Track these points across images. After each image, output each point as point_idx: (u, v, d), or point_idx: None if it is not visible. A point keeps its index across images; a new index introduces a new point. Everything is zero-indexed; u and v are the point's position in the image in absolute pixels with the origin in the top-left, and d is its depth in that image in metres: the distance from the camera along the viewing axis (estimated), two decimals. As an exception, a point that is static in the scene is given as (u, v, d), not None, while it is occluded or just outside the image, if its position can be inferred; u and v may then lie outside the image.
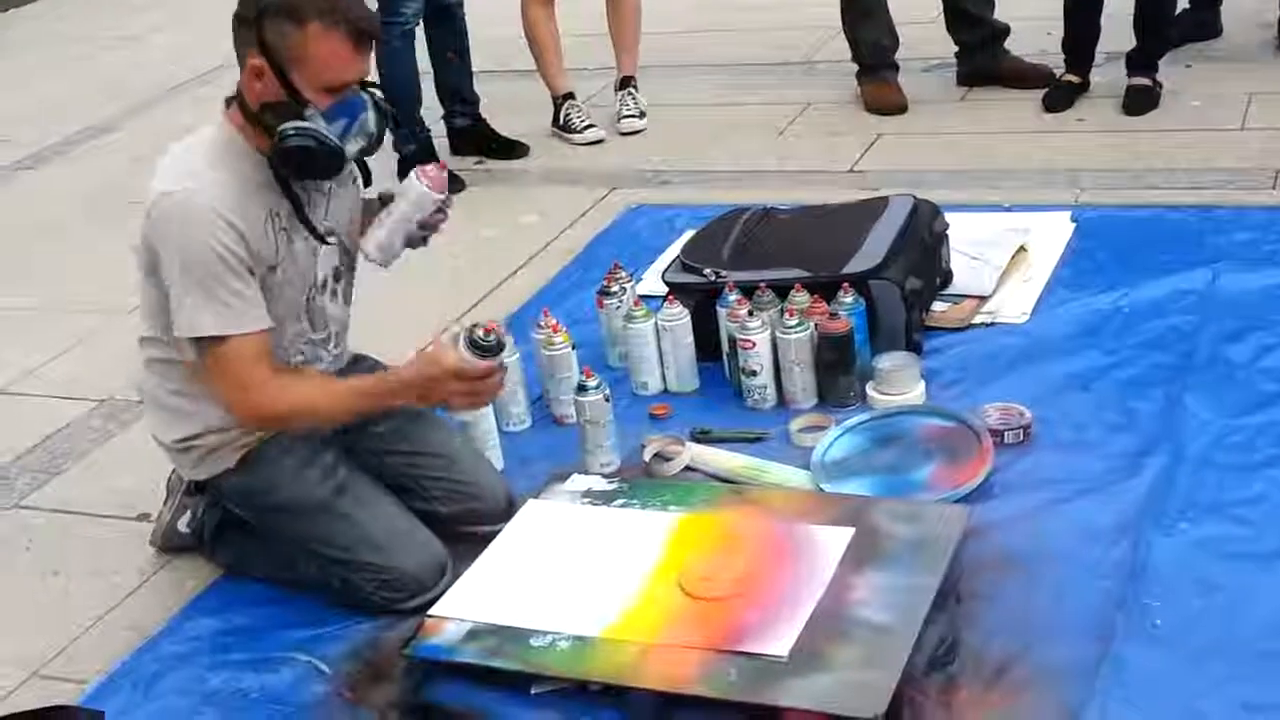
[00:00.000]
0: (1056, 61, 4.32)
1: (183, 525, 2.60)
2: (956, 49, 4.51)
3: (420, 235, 2.47)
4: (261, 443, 2.40)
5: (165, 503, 2.64)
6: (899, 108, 4.35)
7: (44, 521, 2.86)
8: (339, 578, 2.40)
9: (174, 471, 2.66)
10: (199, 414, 2.39)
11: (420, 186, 2.41)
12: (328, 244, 2.37)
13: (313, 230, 2.34)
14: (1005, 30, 4.45)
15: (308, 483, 2.39)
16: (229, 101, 2.30)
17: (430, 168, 2.45)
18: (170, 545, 2.64)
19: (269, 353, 2.28)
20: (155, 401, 2.45)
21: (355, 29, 2.19)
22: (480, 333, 2.24)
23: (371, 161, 2.45)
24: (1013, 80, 4.38)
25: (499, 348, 2.25)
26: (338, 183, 2.41)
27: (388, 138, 4.20)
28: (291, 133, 2.18)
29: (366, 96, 2.28)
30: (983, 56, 4.45)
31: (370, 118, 2.28)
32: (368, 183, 2.41)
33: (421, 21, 4.24)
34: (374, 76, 4.24)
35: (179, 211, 2.19)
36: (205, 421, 2.39)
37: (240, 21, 2.22)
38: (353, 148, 2.27)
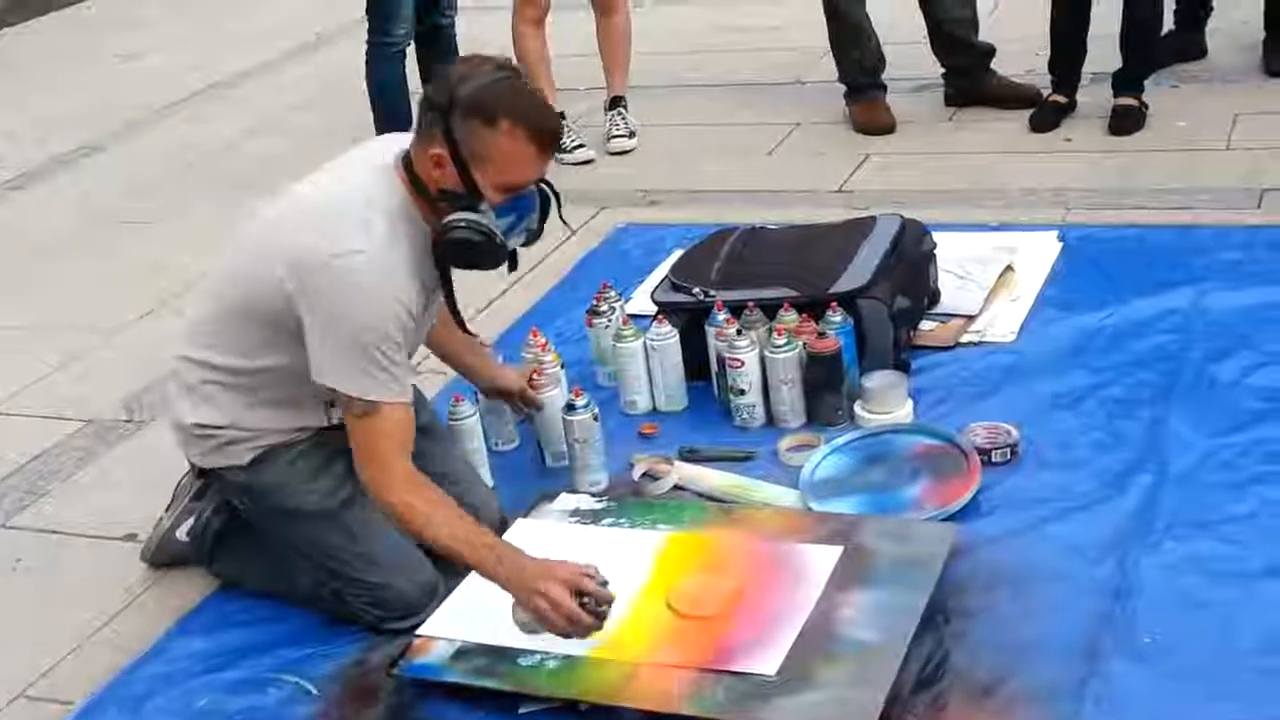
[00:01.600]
0: (1044, 82, 4.34)
1: (182, 533, 2.60)
2: (943, 70, 4.53)
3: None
4: (276, 444, 2.39)
5: (167, 509, 2.64)
6: (887, 127, 4.37)
7: (31, 542, 2.85)
8: (331, 589, 2.40)
9: (185, 475, 2.67)
10: (230, 409, 2.37)
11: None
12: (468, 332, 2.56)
13: (457, 315, 2.44)
14: (990, 51, 4.47)
15: (318, 490, 2.39)
16: (400, 159, 2.26)
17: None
18: (162, 557, 2.63)
19: (412, 435, 2.27)
20: (186, 386, 2.41)
21: (543, 133, 2.18)
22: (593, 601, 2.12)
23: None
24: (1000, 100, 4.40)
25: (600, 616, 2.12)
26: None
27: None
28: (461, 224, 2.17)
29: (537, 193, 2.28)
30: (969, 78, 4.47)
31: (536, 215, 2.29)
32: (513, 268, 2.37)
33: (412, 41, 4.26)
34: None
35: (356, 281, 2.14)
36: (234, 418, 2.37)
37: (430, 105, 2.19)
38: (515, 242, 2.29)
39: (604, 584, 2.12)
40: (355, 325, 2.15)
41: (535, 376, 2.77)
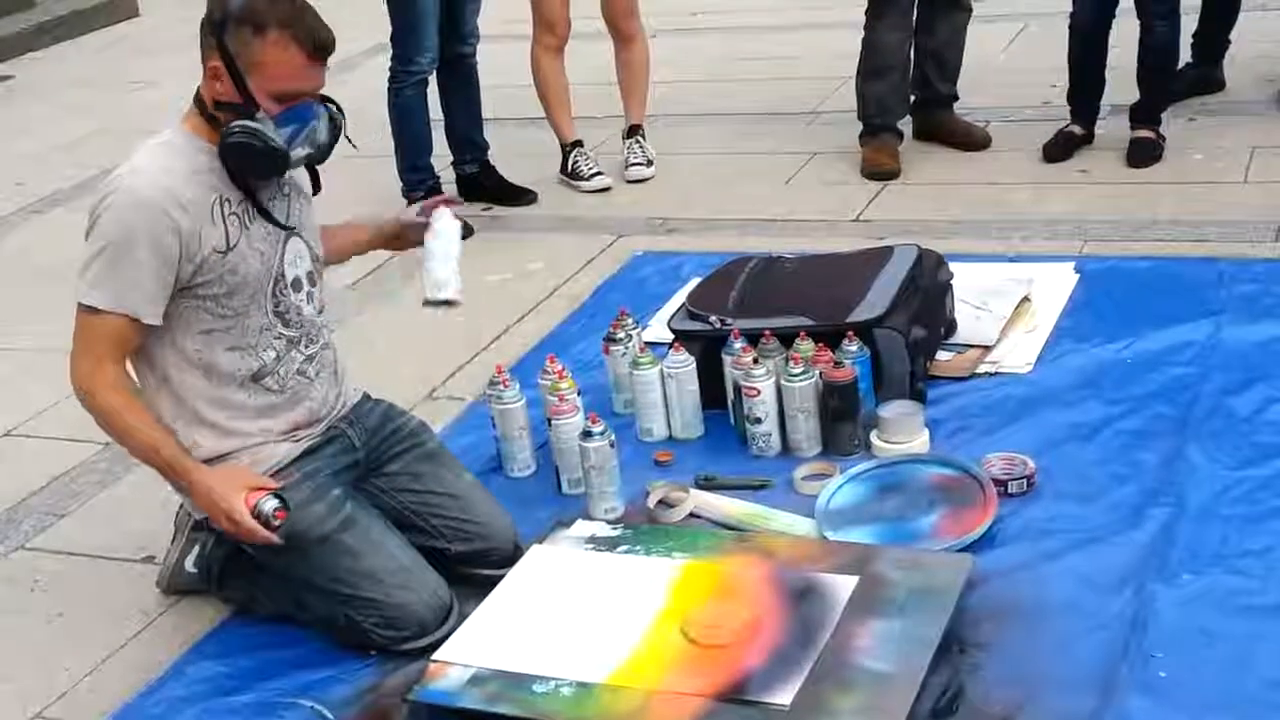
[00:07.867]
0: (1062, 113, 4.35)
1: (190, 563, 2.61)
2: (912, 102, 4.51)
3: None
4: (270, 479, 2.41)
5: (173, 541, 2.65)
6: (891, 173, 4.29)
7: (50, 563, 2.86)
8: (343, 614, 2.41)
9: (181, 507, 2.67)
10: (196, 427, 2.40)
11: (453, 220, 2.62)
12: (287, 230, 2.43)
13: (269, 218, 2.40)
14: (956, 97, 4.49)
15: (313, 516, 2.40)
16: (194, 98, 2.37)
17: (441, 202, 2.67)
18: (176, 586, 2.64)
19: (127, 346, 2.34)
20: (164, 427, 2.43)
21: (313, 42, 2.26)
22: (273, 506, 2.32)
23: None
24: (956, 141, 4.42)
25: (272, 527, 2.32)
26: (297, 191, 2.49)
27: (397, 183, 4.31)
28: (236, 130, 2.26)
29: (322, 109, 2.36)
30: (931, 113, 4.48)
31: (321, 127, 2.35)
32: (316, 189, 2.52)
33: (434, 70, 4.29)
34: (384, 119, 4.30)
35: (118, 197, 2.25)
36: (186, 440, 2.39)
37: (206, 24, 2.29)
38: (299, 153, 2.33)
39: (280, 501, 2.32)
40: (101, 235, 2.26)
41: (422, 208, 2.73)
